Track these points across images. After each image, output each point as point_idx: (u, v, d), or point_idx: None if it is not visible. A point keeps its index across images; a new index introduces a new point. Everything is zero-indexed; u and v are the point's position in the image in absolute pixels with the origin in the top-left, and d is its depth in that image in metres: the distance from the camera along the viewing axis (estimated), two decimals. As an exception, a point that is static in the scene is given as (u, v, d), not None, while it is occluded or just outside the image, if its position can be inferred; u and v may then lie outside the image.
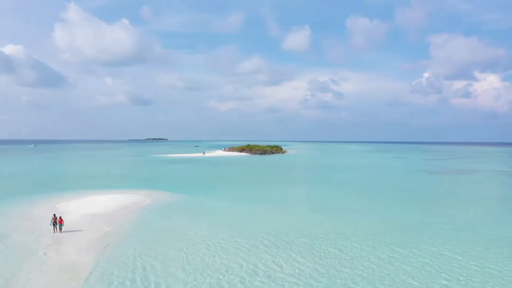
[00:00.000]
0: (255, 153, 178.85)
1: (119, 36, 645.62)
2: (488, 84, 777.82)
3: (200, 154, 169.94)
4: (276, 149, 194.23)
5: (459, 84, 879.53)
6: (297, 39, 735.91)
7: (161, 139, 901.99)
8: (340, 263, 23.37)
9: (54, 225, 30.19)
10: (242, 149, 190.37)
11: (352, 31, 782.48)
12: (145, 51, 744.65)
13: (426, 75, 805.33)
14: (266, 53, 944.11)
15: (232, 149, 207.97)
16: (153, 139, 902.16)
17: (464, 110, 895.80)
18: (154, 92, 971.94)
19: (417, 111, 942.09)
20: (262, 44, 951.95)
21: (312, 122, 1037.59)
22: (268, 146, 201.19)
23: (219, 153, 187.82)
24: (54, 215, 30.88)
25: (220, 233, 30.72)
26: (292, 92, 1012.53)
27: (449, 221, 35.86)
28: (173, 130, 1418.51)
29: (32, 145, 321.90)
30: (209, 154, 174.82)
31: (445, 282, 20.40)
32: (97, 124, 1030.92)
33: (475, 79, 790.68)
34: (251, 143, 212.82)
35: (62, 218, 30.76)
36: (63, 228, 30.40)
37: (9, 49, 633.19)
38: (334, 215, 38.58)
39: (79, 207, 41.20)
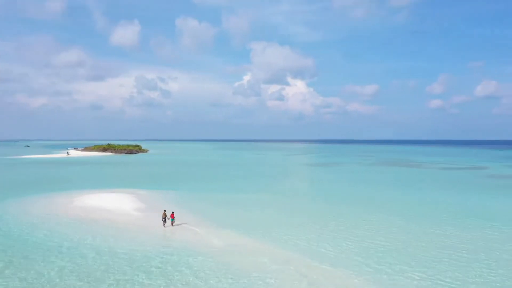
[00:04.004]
0: (121, 153, 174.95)
1: None
2: (297, 89, 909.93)
3: (65, 155, 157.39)
4: (139, 148, 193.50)
5: (274, 88, 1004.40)
6: (125, 34, 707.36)
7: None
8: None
9: (164, 219, 33.34)
10: (104, 149, 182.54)
11: (182, 31, 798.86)
12: None
13: (247, 78, 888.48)
14: (89, 46, 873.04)
15: (89, 149, 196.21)
16: None
17: (278, 112, 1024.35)
18: None
19: (238, 111, 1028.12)
20: (85, 36, 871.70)
21: (136, 120, 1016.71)
22: (129, 145, 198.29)
23: (82, 153, 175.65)
24: (165, 210, 33.86)
25: (271, 214, 40.21)
26: (117, 88, 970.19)
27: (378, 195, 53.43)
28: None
29: None
30: (74, 154, 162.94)
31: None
32: None
33: (288, 84, 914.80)
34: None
35: (173, 213, 34.10)
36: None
37: None
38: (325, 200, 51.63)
39: (102, 203, 43.09)
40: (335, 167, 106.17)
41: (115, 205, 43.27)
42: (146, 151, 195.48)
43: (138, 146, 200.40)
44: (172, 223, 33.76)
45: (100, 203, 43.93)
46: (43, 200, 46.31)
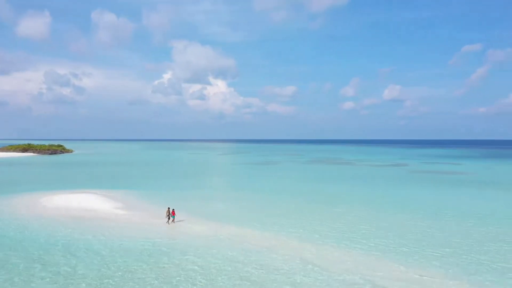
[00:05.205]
0: (44, 153, 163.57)
1: None
2: (218, 88, 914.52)
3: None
4: (63, 149, 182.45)
5: (196, 87, 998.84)
6: (34, 25, 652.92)
7: None
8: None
9: (168, 217, 34.63)
10: (24, 149, 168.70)
11: (98, 25, 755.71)
12: None
13: (167, 76, 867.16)
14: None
15: (4, 149, 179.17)
16: None
17: (199, 111, 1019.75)
18: None
19: (158, 110, 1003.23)
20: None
21: (46, 118, 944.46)
22: (52, 145, 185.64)
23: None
24: (168, 208, 35.16)
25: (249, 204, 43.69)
26: (24, 83, 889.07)
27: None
28: None
29: None
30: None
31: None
32: None
33: (209, 84, 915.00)
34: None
35: (174, 210, 35.36)
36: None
37: None
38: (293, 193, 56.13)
39: (78, 203, 42.87)
40: (276, 165, 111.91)
41: (93, 205, 43.11)
42: (71, 151, 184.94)
43: (61, 146, 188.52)
44: (173, 220, 35.41)
45: (76, 204, 43.35)
46: (10, 201, 44.24)
